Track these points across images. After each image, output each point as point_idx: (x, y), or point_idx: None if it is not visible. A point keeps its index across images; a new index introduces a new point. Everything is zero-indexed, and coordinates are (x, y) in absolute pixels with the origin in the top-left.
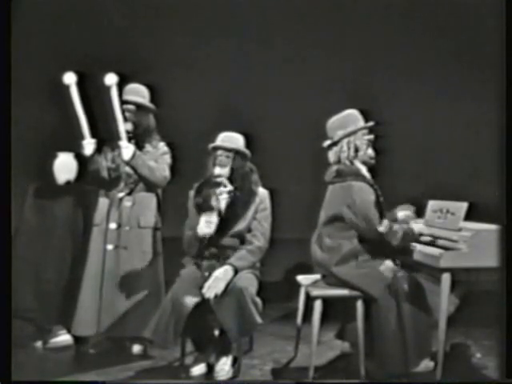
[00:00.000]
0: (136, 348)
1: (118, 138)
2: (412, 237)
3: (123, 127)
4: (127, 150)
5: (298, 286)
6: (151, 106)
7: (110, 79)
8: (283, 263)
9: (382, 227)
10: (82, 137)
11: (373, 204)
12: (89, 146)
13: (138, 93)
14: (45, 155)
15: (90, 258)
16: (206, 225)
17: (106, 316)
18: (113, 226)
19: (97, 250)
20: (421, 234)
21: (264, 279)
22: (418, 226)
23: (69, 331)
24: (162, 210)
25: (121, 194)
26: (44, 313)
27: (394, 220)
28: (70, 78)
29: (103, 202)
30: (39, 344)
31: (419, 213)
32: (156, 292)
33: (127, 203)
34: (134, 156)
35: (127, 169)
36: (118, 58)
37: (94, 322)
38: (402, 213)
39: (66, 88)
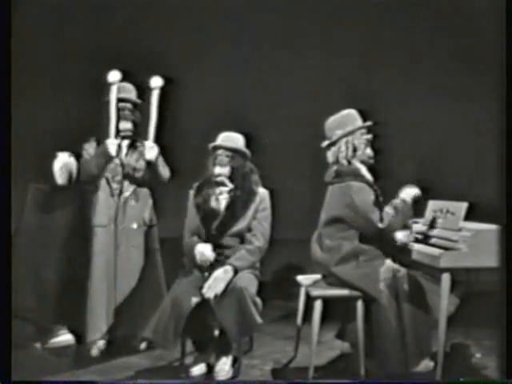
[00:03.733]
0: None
1: (106, 136)
2: (407, 212)
3: (154, 126)
4: (152, 149)
5: (298, 286)
6: (139, 102)
7: (114, 76)
8: (283, 263)
9: (382, 224)
10: (81, 137)
11: (372, 204)
12: (112, 146)
13: (131, 90)
14: (45, 155)
15: (96, 260)
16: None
17: (118, 317)
18: (120, 225)
19: (105, 251)
20: (423, 235)
21: (264, 279)
22: (417, 226)
23: (79, 337)
24: (157, 206)
25: (126, 194)
26: (44, 313)
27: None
28: (114, 76)
29: (108, 202)
30: (39, 344)
31: (419, 213)
32: (157, 288)
33: (132, 202)
34: (157, 156)
35: (129, 168)
36: (116, 58)
37: (105, 325)
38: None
39: (66, 87)
